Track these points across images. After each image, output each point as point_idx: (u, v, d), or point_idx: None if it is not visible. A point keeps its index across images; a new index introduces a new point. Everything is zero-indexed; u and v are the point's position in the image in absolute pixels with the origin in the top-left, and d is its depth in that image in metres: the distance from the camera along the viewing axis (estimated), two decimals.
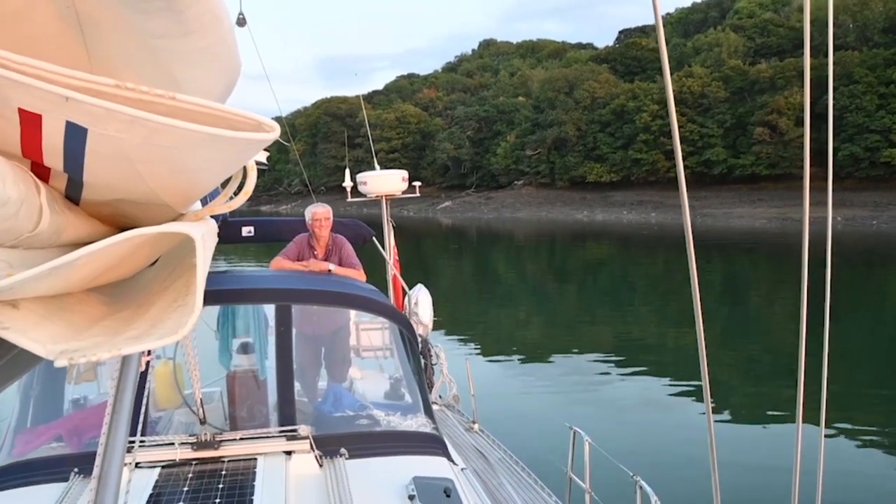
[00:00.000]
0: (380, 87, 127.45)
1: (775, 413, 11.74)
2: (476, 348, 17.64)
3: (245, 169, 1.57)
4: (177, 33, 1.12)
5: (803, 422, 2.72)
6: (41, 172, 1.20)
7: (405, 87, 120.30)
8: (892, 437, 11.08)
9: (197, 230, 1.22)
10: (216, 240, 2.07)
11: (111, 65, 1.21)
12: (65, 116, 0.96)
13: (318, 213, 6.34)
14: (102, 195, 1.32)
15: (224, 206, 1.64)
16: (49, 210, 1.15)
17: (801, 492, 2.70)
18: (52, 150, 1.08)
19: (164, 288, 1.53)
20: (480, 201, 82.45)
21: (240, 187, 1.61)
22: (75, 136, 1.02)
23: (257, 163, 1.66)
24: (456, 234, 60.46)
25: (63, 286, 1.34)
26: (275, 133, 1.19)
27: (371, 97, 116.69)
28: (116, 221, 1.53)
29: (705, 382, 2.34)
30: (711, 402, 2.44)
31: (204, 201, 2.20)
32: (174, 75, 1.24)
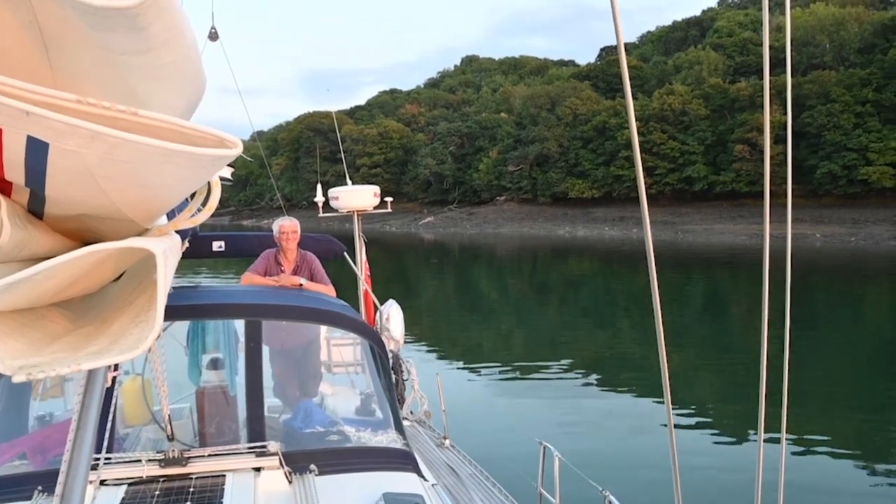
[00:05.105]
0: (362, 102, 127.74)
1: (748, 428, 11.77)
2: (451, 364, 17.54)
3: (209, 184, 1.58)
4: (139, 50, 1.12)
5: (765, 434, 2.76)
6: (2, 186, 1.21)
7: (388, 102, 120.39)
8: (860, 449, 11.18)
9: (158, 246, 1.23)
10: (180, 255, 2.06)
11: (75, 80, 1.21)
12: (26, 131, 0.97)
13: (286, 226, 6.37)
14: (66, 210, 1.32)
15: (188, 220, 1.65)
16: (10, 224, 1.16)
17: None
18: (14, 165, 1.08)
19: (128, 303, 1.53)
20: (462, 217, 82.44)
21: (205, 202, 1.62)
22: (37, 151, 1.02)
23: (222, 178, 1.67)
24: (438, 249, 60.35)
25: (25, 301, 1.34)
26: (237, 150, 1.20)
27: (353, 112, 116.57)
28: (82, 236, 1.52)
29: (667, 396, 2.37)
30: (674, 413, 2.47)
31: (171, 215, 2.20)
32: (137, 91, 1.24)
